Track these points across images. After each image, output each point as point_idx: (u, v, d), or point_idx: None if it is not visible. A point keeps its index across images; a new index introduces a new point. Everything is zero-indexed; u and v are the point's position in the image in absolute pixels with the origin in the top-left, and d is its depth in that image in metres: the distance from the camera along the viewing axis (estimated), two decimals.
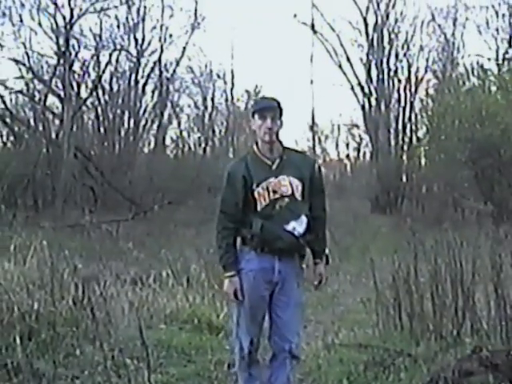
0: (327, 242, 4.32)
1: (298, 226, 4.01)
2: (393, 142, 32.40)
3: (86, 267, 8.47)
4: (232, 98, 36.22)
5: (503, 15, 30.22)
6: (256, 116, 4.04)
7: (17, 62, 28.14)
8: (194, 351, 5.89)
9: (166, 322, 6.73)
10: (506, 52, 29.90)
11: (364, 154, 42.34)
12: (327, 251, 4.30)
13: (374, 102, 32.27)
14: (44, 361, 5.25)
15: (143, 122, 33.17)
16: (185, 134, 38.33)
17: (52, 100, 29.94)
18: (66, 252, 7.54)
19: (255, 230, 3.96)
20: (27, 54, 28.46)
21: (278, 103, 4.06)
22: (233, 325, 4.28)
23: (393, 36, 32.36)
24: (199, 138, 38.42)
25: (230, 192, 4.07)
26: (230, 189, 4.08)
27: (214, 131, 38.95)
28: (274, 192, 3.99)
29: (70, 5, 27.09)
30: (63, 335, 5.72)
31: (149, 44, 32.36)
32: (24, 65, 28.44)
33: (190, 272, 8.39)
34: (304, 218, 4.05)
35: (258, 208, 4.00)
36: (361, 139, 41.62)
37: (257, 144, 4.13)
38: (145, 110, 33.22)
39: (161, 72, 33.08)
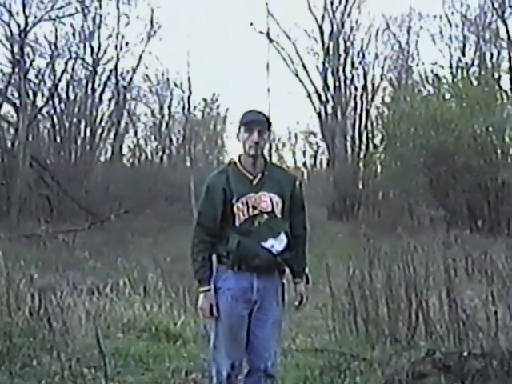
0: (307, 260, 4.18)
1: (277, 243, 3.89)
2: (349, 150, 32.72)
3: (43, 277, 8.43)
4: (189, 107, 36.24)
5: (456, 25, 30.87)
6: (242, 129, 3.92)
7: None
8: (152, 359, 5.84)
9: (124, 331, 6.68)
10: (460, 60, 30.48)
11: (321, 161, 42.72)
12: (307, 270, 4.16)
13: (330, 110, 32.58)
14: (0, 372, 5.21)
15: (100, 131, 32.97)
16: (142, 142, 38.28)
17: (7, 109, 29.62)
18: (22, 262, 7.50)
19: (231, 247, 3.84)
20: None
21: (267, 118, 3.96)
22: (210, 348, 4.11)
23: (348, 44, 32.82)
24: (156, 146, 38.35)
25: (209, 204, 3.95)
26: (208, 201, 3.96)
27: (171, 140, 38.88)
28: (254, 208, 3.87)
29: (24, 12, 26.91)
30: (20, 346, 5.67)
31: (105, 52, 32.29)
32: None
33: (147, 281, 8.36)
34: (283, 236, 3.92)
35: (236, 223, 3.88)
36: (318, 147, 41.95)
37: (240, 157, 4.01)
38: (101, 119, 33.08)
39: (117, 80, 32.99)
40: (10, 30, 27.72)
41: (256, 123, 3.90)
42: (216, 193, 3.92)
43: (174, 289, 8.03)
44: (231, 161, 4.10)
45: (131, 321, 6.92)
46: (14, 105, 28.46)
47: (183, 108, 38.04)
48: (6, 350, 5.56)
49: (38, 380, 5.16)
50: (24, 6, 26.99)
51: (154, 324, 6.76)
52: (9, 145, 28.52)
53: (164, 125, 38.11)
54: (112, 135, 34.16)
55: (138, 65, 33.03)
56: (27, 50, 27.91)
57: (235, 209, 3.87)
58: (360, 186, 31.98)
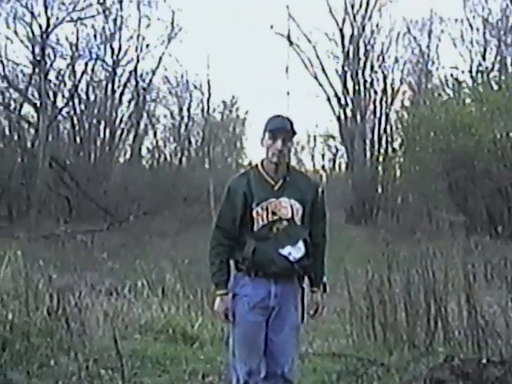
0: (325, 269, 4.10)
1: (295, 251, 3.83)
2: (368, 153, 32.62)
3: (61, 278, 8.41)
4: (208, 109, 36.28)
5: (477, 28, 30.66)
6: (267, 135, 3.87)
7: None
8: (169, 361, 5.85)
9: (141, 333, 6.70)
10: (480, 64, 30.28)
11: (339, 164, 42.59)
12: (325, 279, 4.08)
13: (349, 113, 32.54)
14: (18, 371, 5.21)
15: (119, 132, 33.12)
16: (161, 144, 38.33)
17: (27, 109, 29.81)
18: (41, 262, 7.51)
19: (247, 252, 3.80)
20: (2, 62, 28.32)
21: (292, 124, 3.89)
22: (229, 355, 4.08)
23: (369, 47, 32.75)
24: (175, 148, 38.40)
25: (229, 207, 3.91)
26: (228, 204, 3.92)
27: (190, 142, 38.95)
28: (273, 213, 3.82)
29: (46, 14, 27.12)
30: (37, 346, 5.67)
31: (125, 54, 32.42)
32: None
33: (165, 282, 8.36)
34: (301, 244, 3.86)
35: (255, 228, 3.83)
36: (336, 150, 41.83)
37: (262, 161, 3.96)
38: (121, 120, 33.20)
39: (137, 82, 33.11)
40: (32, 31, 27.94)
41: (281, 131, 3.85)
42: (236, 196, 3.88)
43: (192, 291, 8.02)
44: (253, 165, 4.06)
45: (149, 322, 6.93)
46: (34, 105, 28.63)
47: (202, 110, 38.17)
48: (24, 350, 5.56)
49: (55, 380, 5.16)
50: (46, 8, 27.22)
51: (172, 326, 6.77)
52: (29, 145, 28.71)
53: (183, 127, 38.19)
54: (131, 137, 34.32)
55: (157, 66, 33.23)
56: (48, 51, 28.13)
57: (254, 213, 3.84)
58: (379, 190, 31.85)
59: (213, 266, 3.93)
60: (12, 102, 29.63)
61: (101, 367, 5.31)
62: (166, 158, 38.18)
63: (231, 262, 3.97)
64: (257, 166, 4.00)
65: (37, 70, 27.87)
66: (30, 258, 7.44)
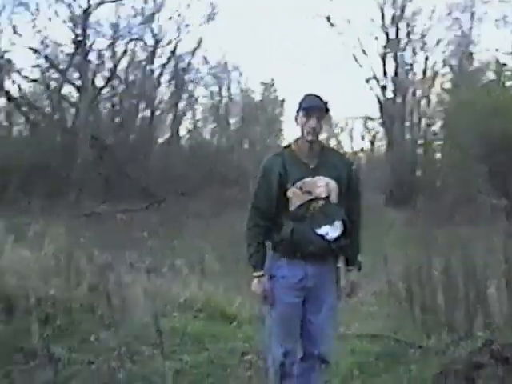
0: (360, 247, 4.09)
1: (332, 230, 3.81)
2: (408, 136, 32.33)
3: (101, 255, 8.55)
4: (247, 89, 36.26)
5: None
6: (301, 113, 3.86)
7: (34, 50, 28.27)
8: (207, 339, 5.91)
9: (180, 311, 6.78)
10: None
11: (379, 147, 42.26)
12: (360, 258, 4.09)
13: (389, 95, 32.22)
14: (60, 346, 5.27)
15: (158, 112, 33.26)
16: (199, 124, 38.42)
17: (68, 89, 30.08)
18: (82, 240, 7.64)
19: (285, 234, 3.78)
20: (44, 42, 28.58)
21: (325, 103, 3.88)
22: (265, 337, 4.12)
23: (410, 29, 32.28)
24: (214, 128, 38.47)
25: (265, 187, 3.89)
26: (264, 184, 3.89)
27: (228, 122, 38.98)
28: (309, 193, 3.80)
29: None
30: (79, 321, 5.79)
31: (165, 34, 32.43)
32: (40, 54, 28.54)
33: (204, 262, 8.43)
34: (338, 223, 3.84)
35: (291, 208, 3.81)
36: (376, 132, 41.49)
37: (297, 140, 3.96)
38: (160, 101, 33.33)
39: (176, 62, 33.15)
40: (73, 12, 28.14)
41: (314, 109, 3.84)
42: (272, 176, 3.87)
43: (230, 271, 8.08)
44: (288, 144, 4.05)
45: (188, 301, 7.00)
46: (74, 85, 28.90)
47: (241, 90, 38.16)
48: (66, 325, 5.67)
49: (95, 355, 5.23)
50: None
51: (210, 305, 6.83)
52: (70, 124, 29.00)
53: (222, 107, 38.21)
54: (170, 117, 34.44)
55: (197, 47, 33.18)
56: (89, 31, 28.31)
57: (290, 193, 3.82)
58: (418, 173, 31.57)
59: (250, 247, 3.94)
60: (53, 82, 29.95)
61: (141, 343, 5.38)
62: (204, 139, 38.31)
63: (267, 244, 3.96)
64: (291, 145, 3.99)
65: (78, 50, 28.08)
66: (71, 236, 7.57)
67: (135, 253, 11.35)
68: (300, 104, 3.92)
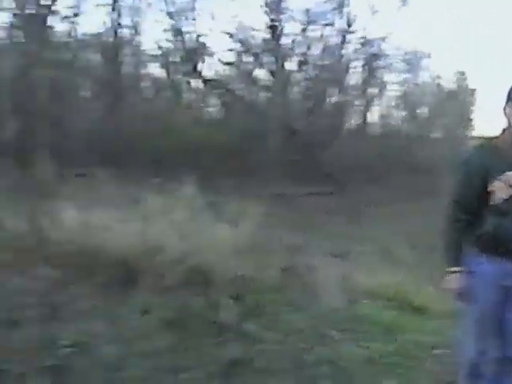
0: None
1: None
2: None
3: (290, 237, 8.69)
4: (438, 78, 35.19)
5: None
6: (510, 103, 3.69)
7: (229, 35, 29.21)
8: (396, 329, 5.82)
9: (370, 298, 6.74)
10: None
11: None
12: None
13: None
14: (250, 323, 5.43)
15: (348, 98, 33.23)
16: (390, 111, 37.93)
17: (261, 73, 30.79)
18: (274, 220, 7.79)
19: (487, 229, 3.67)
20: (239, 27, 29.42)
21: None
22: (460, 334, 4.01)
23: None
24: (404, 116, 37.85)
25: (465, 181, 3.77)
26: (465, 178, 3.78)
27: (417, 111, 38.17)
28: None
29: None
30: (269, 301, 5.92)
31: (356, 19, 32.25)
32: (235, 38, 29.46)
33: (395, 251, 8.33)
34: None
35: (493, 203, 3.67)
36: None
37: (503, 132, 3.77)
38: (350, 87, 33.26)
39: (367, 49, 32.89)
40: None
41: None
42: (473, 169, 3.73)
43: (424, 262, 7.91)
44: (490, 137, 3.87)
45: (378, 289, 6.94)
46: (268, 69, 29.54)
47: (432, 78, 37.21)
48: (256, 304, 5.83)
49: (284, 335, 5.31)
50: None
51: (401, 295, 6.73)
52: (262, 107, 29.69)
53: (412, 95, 37.47)
54: (360, 103, 34.31)
55: (388, 33, 32.67)
56: (282, 16, 28.76)
57: (493, 187, 3.65)
58: None
59: (449, 241, 3.84)
60: (247, 66, 30.78)
61: (330, 327, 5.41)
62: (394, 126, 37.81)
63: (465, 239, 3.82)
64: (494, 138, 3.81)
65: (272, 35, 28.64)
66: (264, 216, 7.74)
67: (324, 237, 11.44)
68: (508, 94, 3.71)
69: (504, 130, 3.75)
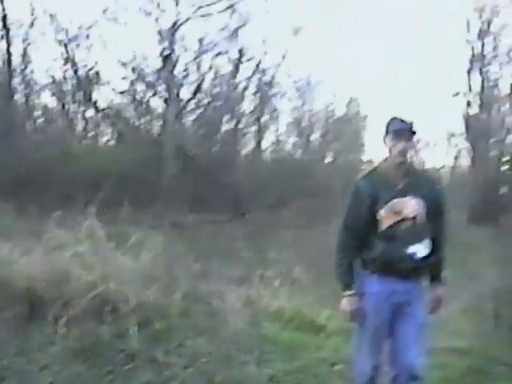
0: (445, 264, 4.19)
1: (421, 249, 3.92)
2: (493, 153, 31.68)
3: (192, 264, 8.79)
4: (330, 104, 36.23)
5: None
6: (390, 136, 3.99)
7: (122, 63, 29.15)
8: (298, 349, 6.04)
9: (271, 320, 6.92)
10: None
11: (463, 163, 41.50)
12: (445, 274, 4.18)
13: (475, 111, 31.67)
14: (158, 350, 5.51)
15: (242, 125, 33.65)
16: (282, 138, 38.61)
17: (154, 101, 30.83)
18: (175, 249, 7.90)
19: (375, 254, 3.93)
20: (132, 56, 29.41)
21: (412, 126, 3.97)
22: (353, 350, 4.26)
23: (496, 43, 31.67)
24: (296, 142, 38.59)
25: (355, 209, 4.00)
26: (354, 206, 4.01)
27: (311, 136, 39.02)
28: (398, 213, 3.90)
29: (176, 6, 27.88)
30: (175, 327, 6.04)
31: (248, 49, 32.80)
32: (127, 66, 29.41)
33: (294, 274, 8.57)
34: (427, 242, 3.95)
35: (381, 229, 3.93)
36: (460, 148, 40.78)
37: (385, 160, 4.07)
38: (244, 114, 33.69)
39: (260, 77, 33.48)
40: (160, 27, 28.85)
41: (404, 132, 3.97)
42: (362, 199, 3.98)
43: (320, 283, 8.20)
44: (376, 165, 4.15)
45: (278, 311, 7.14)
46: (161, 97, 29.61)
47: (325, 106, 38.20)
48: (163, 330, 5.93)
49: (192, 359, 5.44)
50: (176, 3, 28.06)
51: (300, 315, 6.97)
52: (156, 135, 29.68)
53: (305, 121, 38.30)
54: (254, 130, 34.78)
55: (281, 62, 33.42)
56: (175, 45, 28.95)
57: (380, 215, 3.94)
58: (503, 190, 30.85)
59: (340, 267, 4.08)
60: (140, 94, 30.78)
61: (235, 350, 5.59)
62: (287, 152, 38.46)
63: (355, 262, 4.10)
64: (379, 166, 4.10)
65: (165, 64, 28.73)
66: (164, 245, 7.84)
67: (225, 263, 11.58)
68: (387, 127, 4.06)
69: (386, 159, 4.08)
